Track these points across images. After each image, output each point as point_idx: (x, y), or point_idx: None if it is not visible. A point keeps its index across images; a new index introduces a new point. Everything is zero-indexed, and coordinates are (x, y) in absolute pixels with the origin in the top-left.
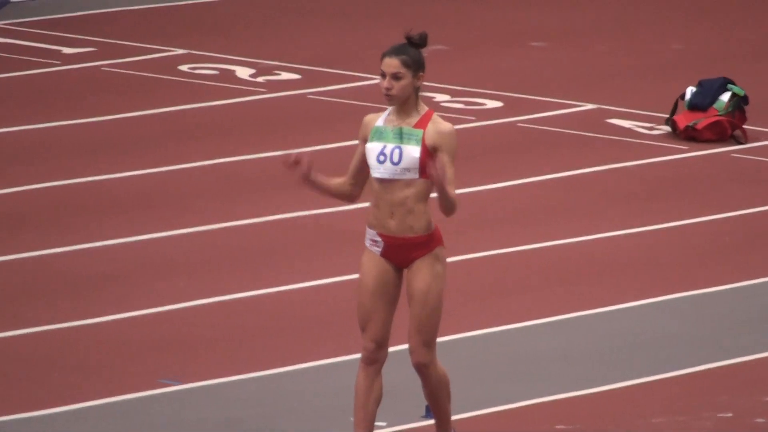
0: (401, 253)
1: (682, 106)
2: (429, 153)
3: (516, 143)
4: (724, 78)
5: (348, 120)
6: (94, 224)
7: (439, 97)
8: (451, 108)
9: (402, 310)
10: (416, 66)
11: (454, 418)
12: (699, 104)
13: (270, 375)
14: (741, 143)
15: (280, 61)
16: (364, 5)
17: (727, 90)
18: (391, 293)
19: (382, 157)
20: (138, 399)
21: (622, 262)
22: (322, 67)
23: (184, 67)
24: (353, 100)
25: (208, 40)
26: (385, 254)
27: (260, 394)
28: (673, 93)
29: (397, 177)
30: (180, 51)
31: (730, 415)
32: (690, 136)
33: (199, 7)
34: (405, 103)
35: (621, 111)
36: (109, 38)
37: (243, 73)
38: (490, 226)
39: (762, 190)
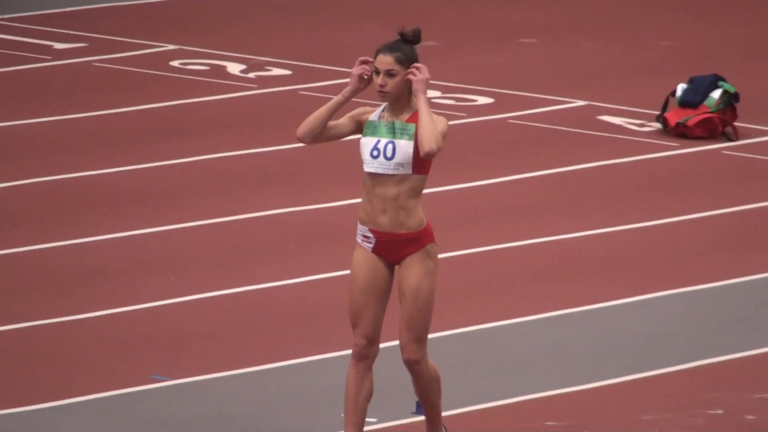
0: (393, 249)
1: (673, 103)
2: None
3: (507, 140)
4: (715, 75)
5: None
6: (85, 220)
7: (430, 94)
8: (442, 104)
9: (393, 307)
10: (410, 63)
11: (443, 414)
12: (690, 101)
13: (261, 371)
14: (732, 140)
15: (270, 57)
16: (354, 1)
17: (718, 87)
18: (382, 290)
19: (375, 152)
20: (129, 394)
21: (612, 259)
22: (313, 63)
23: (175, 63)
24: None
25: (199, 36)
26: (377, 250)
27: (252, 390)
28: (664, 90)
29: (390, 172)
30: (171, 47)
31: (720, 412)
32: (681, 133)
33: (190, 3)
34: (398, 99)
35: (612, 108)
36: (101, 34)
37: (234, 68)
38: (480, 222)
39: (752, 187)
